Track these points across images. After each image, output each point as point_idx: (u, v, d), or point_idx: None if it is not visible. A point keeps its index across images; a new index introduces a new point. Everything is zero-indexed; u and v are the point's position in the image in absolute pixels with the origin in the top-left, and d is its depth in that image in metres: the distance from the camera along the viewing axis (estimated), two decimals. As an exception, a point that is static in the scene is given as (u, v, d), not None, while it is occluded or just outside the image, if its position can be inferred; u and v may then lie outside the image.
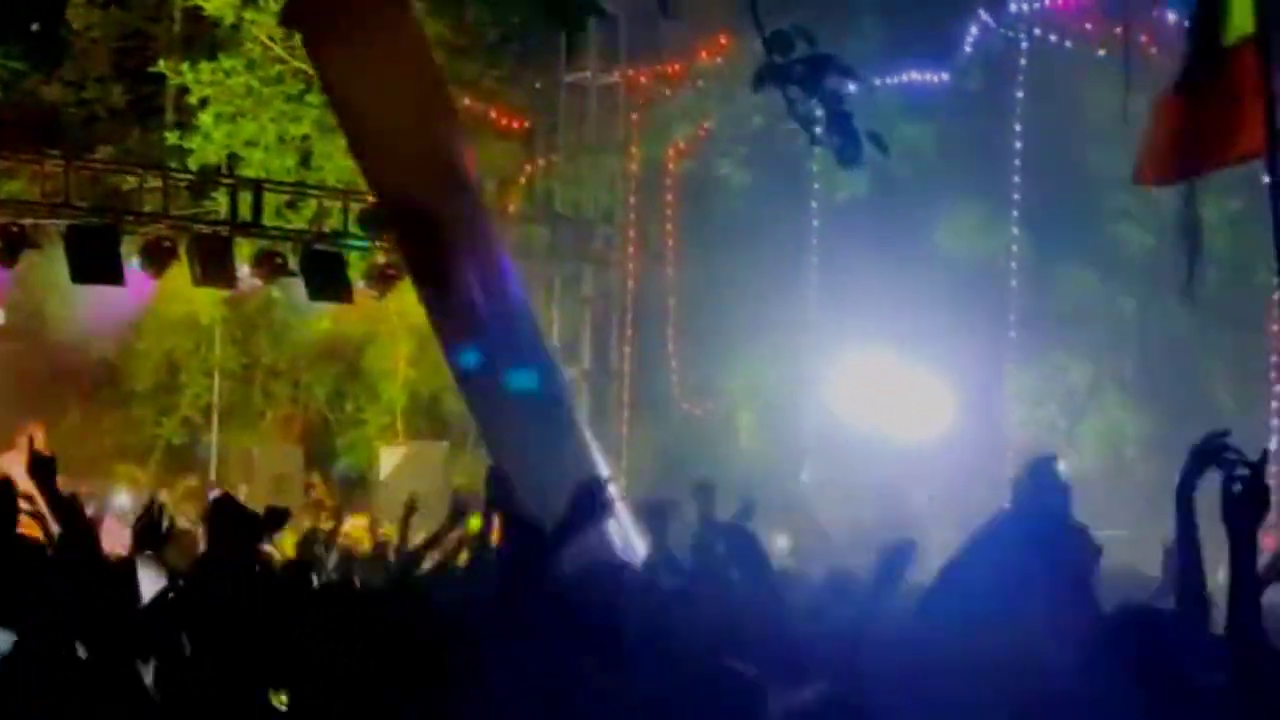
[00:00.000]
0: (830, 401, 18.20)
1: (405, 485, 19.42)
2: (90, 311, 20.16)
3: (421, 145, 13.64)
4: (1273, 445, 18.60)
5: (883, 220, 17.62)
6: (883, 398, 17.65)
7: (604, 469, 14.99)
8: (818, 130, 8.05)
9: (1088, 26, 18.43)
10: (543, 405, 13.96)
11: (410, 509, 10.64)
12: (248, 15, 19.50)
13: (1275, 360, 18.93)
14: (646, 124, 19.01)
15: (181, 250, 16.47)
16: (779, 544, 11.08)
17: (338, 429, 22.58)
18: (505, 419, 13.85)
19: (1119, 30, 18.65)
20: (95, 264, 15.92)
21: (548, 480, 12.22)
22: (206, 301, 19.44)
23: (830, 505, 17.41)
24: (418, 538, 8.85)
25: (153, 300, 19.68)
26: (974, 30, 18.42)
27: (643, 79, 18.90)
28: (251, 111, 19.81)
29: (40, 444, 18.07)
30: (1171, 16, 18.21)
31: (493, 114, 19.91)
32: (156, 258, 16.38)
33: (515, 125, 19.69)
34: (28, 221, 16.10)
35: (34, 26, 11.46)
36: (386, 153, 13.81)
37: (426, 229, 13.64)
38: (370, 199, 17.90)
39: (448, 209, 13.56)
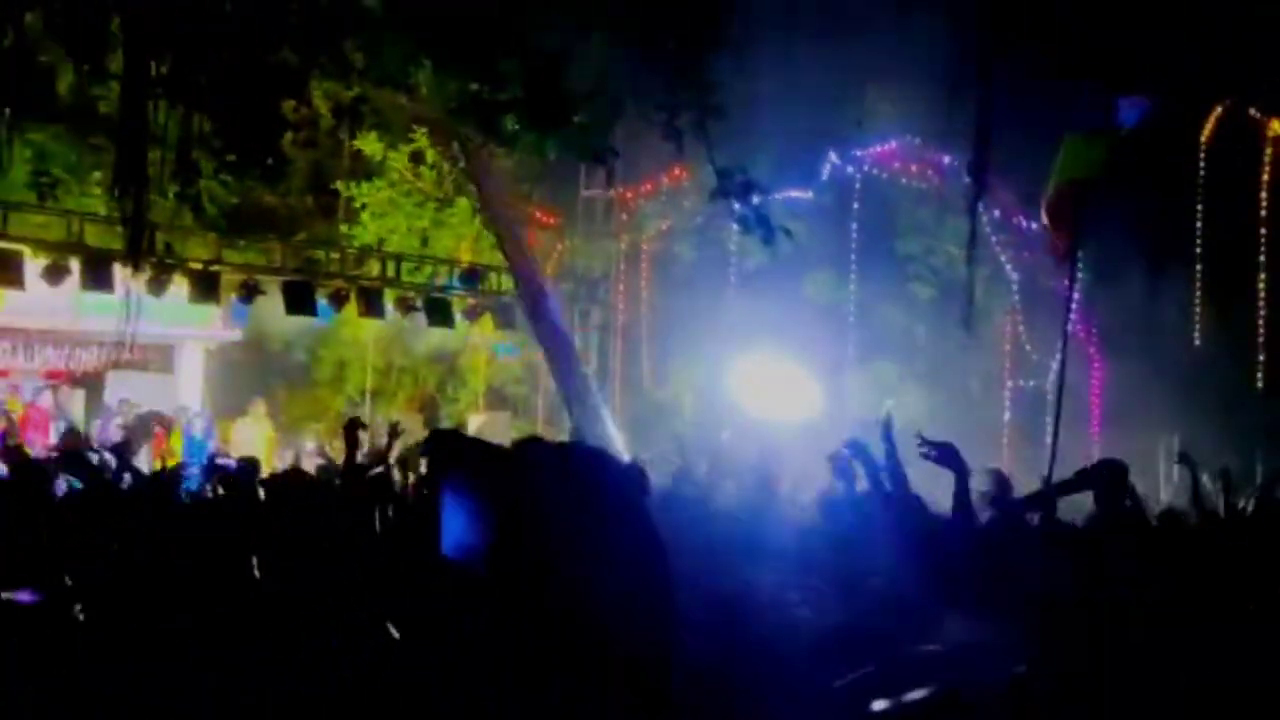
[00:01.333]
0: (738, 390, 18.23)
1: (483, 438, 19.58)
2: (294, 332, 20.27)
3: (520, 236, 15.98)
4: (1006, 416, 18.89)
5: (773, 279, 17.69)
6: (770, 388, 17.67)
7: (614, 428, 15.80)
8: (749, 224, 8.30)
9: (897, 165, 18.66)
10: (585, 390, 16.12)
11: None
12: (390, 155, 19.56)
13: (1008, 366, 19.22)
14: (631, 221, 19.13)
15: (352, 296, 16.55)
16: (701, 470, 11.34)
17: (442, 404, 22.59)
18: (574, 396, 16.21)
19: (914, 167, 18.92)
20: (300, 304, 15.98)
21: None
22: (365, 326, 19.47)
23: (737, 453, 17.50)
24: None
25: (331, 326, 19.74)
26: (828, 165, 18.60)
27: (628, 194, 19.02)
28: (391, 213, 19.83)
29: (262, 413, 18.24)
30: (946, 159, 18.44)
31: (538, 214, 20.04)
32: (336, 301, 16.46)
33: (551, 221, 19.79)
34: (259, 278, 16.16)
35: (269, 160, 11.56)
36: (510, 239, 15.87)
37: (529, 285, 15.63)
38: (466, 264, 18.09)
39: (533, 272, 15.91)
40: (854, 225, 18.41)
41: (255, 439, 17.13)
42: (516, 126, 9.99)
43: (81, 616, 4.38)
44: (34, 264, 14.66)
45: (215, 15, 11.96)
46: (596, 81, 8.45)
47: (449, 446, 3.15)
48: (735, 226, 17.43)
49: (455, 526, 3.02)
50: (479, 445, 3.22)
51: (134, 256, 11.17)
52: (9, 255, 13.49)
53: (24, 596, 4.30)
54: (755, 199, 8.10)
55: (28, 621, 4.34)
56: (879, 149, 18.57)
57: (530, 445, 3.25)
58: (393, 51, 10.94)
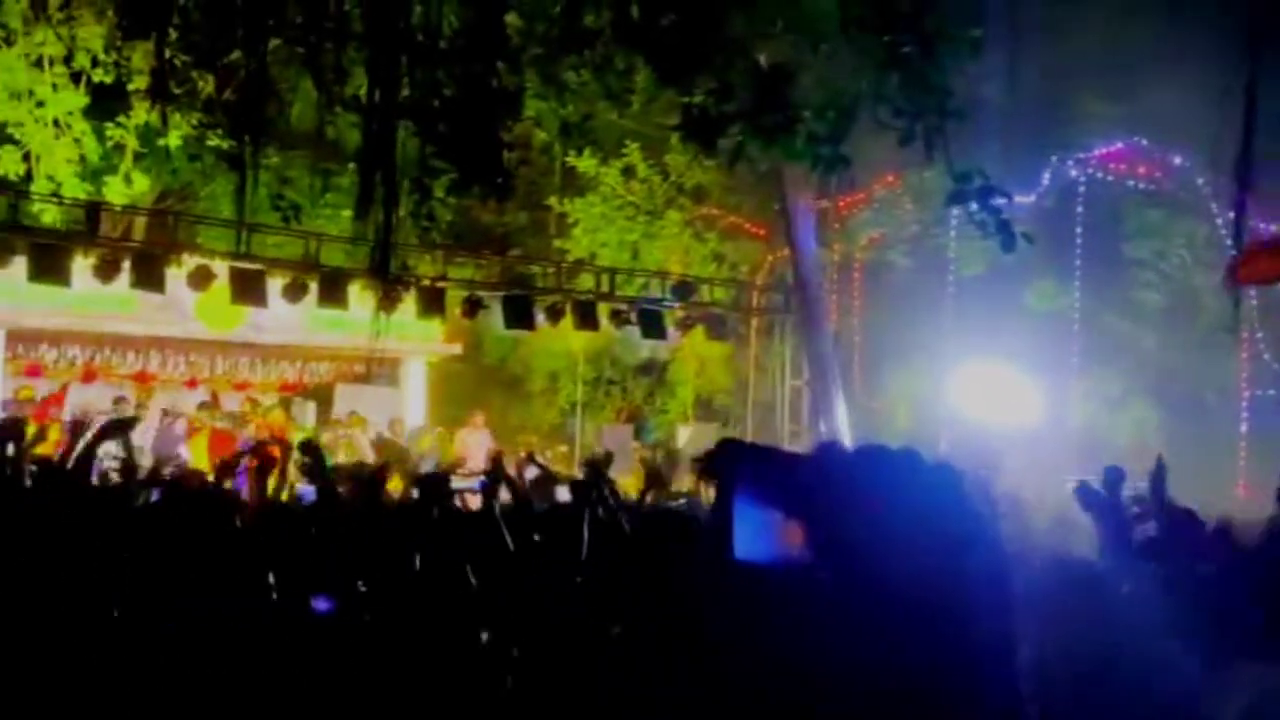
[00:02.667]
0: (956, 400, 17.90)
1: (693, 450, 19.67)
2: (509, 345, 20.84)
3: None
4: (1243, 428, 17.99)
5: (992, 288, 17.29)
6: (991, 398, 17.33)
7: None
8: (987, 230, 8.14)
9: (1123, 167, 18.04)
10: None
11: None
12: (602, 170, 19.85)
13: (1244, 376, 18.31)
14: (842, 230, 18.91)
15: (567, 309, 16.80)
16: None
17: (649, 415, 22.79)
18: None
19: (1141, 169, 18.24)
20: (518, 318, 16.35)
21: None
22: (576, 338, 19.76)
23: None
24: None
25: (543, 338, 20.06)
26: (1050, 168, 18.12)
27: (841, 203, 18.83)
28: (603, 227, 20.03)
29: (481, 423, 18.77)
30: (1177, 159, 17.79)
31: (747, 225, 20.08)
32: (553, 314, 16.73)
33: (761, 231, 19.78)
34: (478, 294, 16.58)
35: (499, 180, 11.93)
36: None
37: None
38: (677, 276, 18.17)
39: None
40: (1078, 230, 17.83)
41: (478, 447, 17.72)
42: (740, 138, 10.03)
43: (372, 623, 4.57)
44: (272, 282, 15.49)
45: (444, 39, 12.45)
46: (829, 90, 8.43)
47: (740, 455, 3.18)
48: (952, 234, 17.34)
49: (752, 534, 3.04)
50: (775, 452, 3.24)
51: (383, 276, 11.71)
52: (253, 275, 14.29)
53: (321, 604, 4.51)
54: (996, 202, 7.93)
55: (324, 629, 4.55)
56: (1104, 151, 17.96)
57: (829, 450, 3.27)
58: (616, 67, 11.16)
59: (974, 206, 8.05)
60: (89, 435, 5.39)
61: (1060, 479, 14.15)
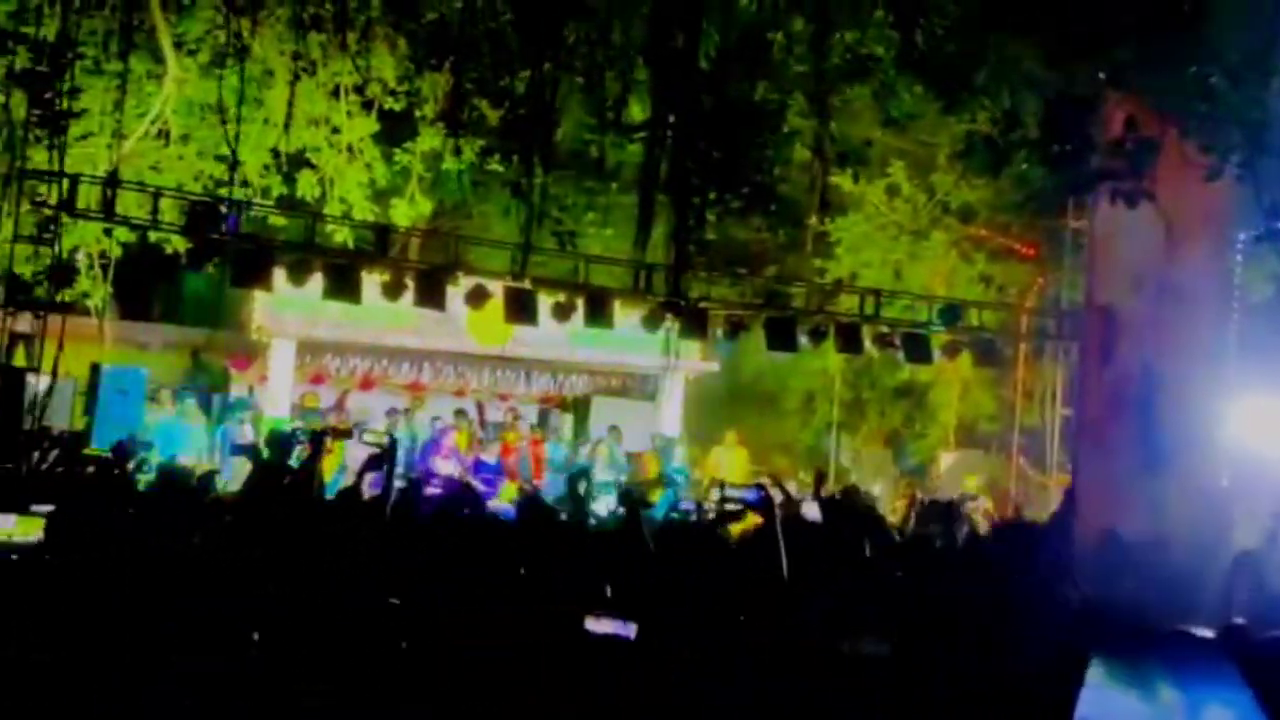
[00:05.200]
0: (1237, 432, 17.12)
1: (955, 477, 19.58)
2: (765, 363, 21.19)
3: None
4: None
5: (1281, 312, 16.58)
6: (1277, 431, 16.55)
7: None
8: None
9: None
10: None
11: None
12: (865, 187, 19.95)
13: None
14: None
15: (830, 331, 16.91)
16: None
17: (908, 439, 22.68)
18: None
19: None
20: (781, 340, 16.61)
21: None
22: (834, 359, 19.85)
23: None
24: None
25: (799, 356, 20.21)
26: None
27: (1116, 224, 18.37)
28: (866, 247, 19.99)
29: (734, 441, 19.20)
30: None
31: (1017, 246, 19.80)
32: (815, 336, 16.85)
33: (1031, 252, 19.47)
34: (738, 314, 16.86)
35: (772, 206, 12.29)
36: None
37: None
38: (944, 299, 18.03)
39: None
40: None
41: (731, 465, 18.17)
42: (1024, 165, 10.13)
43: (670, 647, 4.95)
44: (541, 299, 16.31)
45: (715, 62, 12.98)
46: (1127, 122, 8.43)
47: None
48: (1239, 256, 16.66)
49: None
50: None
51: (675, 300, 12.29)
52: (527, 295, 15.15)
53: (618, 630, 4.91)
54: (1313, 240, 7.81)
55: (621, 653, 4.92)
56: None
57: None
58: (898, 93, 11.42)
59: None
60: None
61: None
